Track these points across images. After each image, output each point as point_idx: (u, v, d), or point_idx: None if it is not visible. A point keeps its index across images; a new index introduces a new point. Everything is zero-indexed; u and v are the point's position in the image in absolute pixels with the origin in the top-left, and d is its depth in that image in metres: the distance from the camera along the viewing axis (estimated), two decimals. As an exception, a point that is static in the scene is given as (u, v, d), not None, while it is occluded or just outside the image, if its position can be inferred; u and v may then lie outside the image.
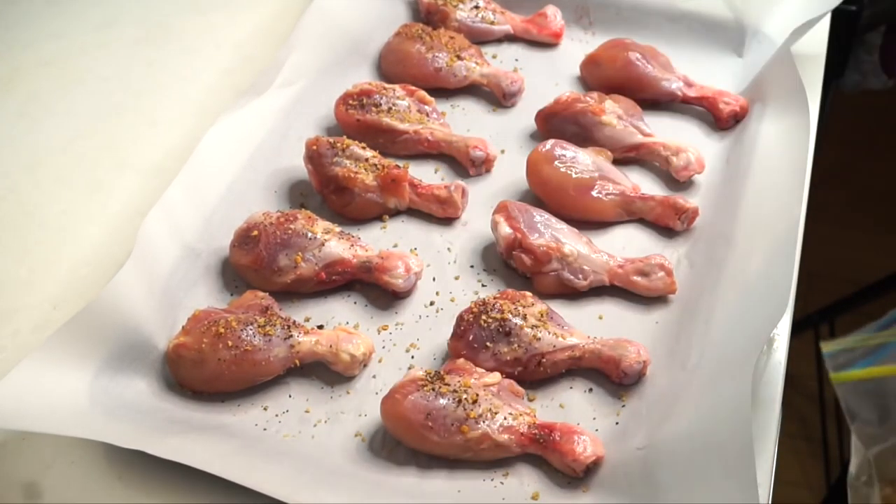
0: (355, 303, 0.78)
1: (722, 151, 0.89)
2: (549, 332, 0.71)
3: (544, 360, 0.70)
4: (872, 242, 1.88)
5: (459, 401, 0.66)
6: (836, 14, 0.97)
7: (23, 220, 0.88)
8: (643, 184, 0.86)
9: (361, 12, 1.02)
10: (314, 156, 0.84)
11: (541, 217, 0.79)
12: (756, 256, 0.72)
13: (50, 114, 0.99)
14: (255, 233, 0.77)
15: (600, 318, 0.76)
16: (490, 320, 0.71)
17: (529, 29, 1.03)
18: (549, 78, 0.99)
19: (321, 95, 0.94)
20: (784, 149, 0.80)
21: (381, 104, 0.91)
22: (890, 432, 0.85)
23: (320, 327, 0.76)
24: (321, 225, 0.79)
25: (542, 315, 0.72)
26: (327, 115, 0.94)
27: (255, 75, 0.92)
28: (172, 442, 0.64)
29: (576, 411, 0.70)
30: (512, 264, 0.79)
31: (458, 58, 0.97)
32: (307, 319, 0.77)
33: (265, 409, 0.71)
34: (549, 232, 0.78)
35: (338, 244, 0.78)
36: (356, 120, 0.90)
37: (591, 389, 0.71)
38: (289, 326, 0.72)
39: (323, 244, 0.77)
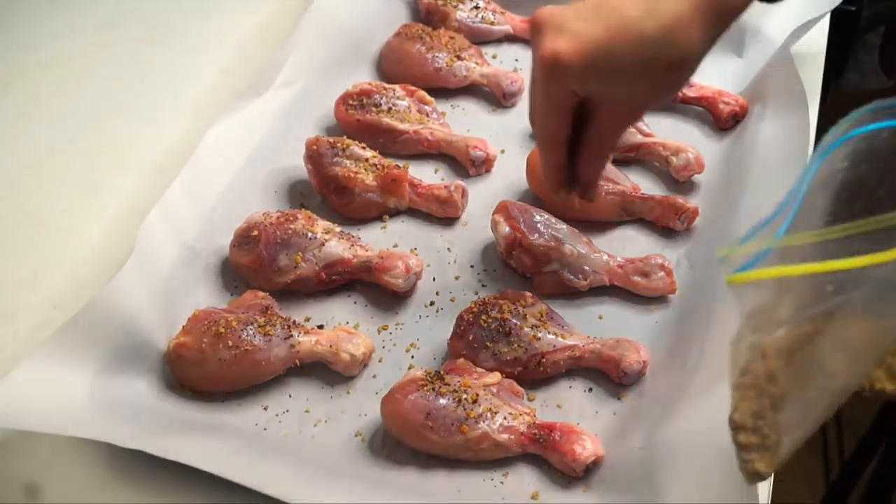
0: (355, 303, 0.78)
1: (722, 151, 0.89)
2: (549, 332, 0.71)
3: (544, 359, 0.70)
4: (872, 242, 1.87)
5: (459, 401, 0.66)
6: (836, 14, 0.97)
7: (23, 220, 0.88)
8: (643, 184, 0.86)
9: (361, 12, 1.01)
10: (314, 156, 0.84)
11: (541, 217, 0.79)
12: (756, 256, 0.72)
13: (50, 114, 0.99)
14: (255, 233, 0.77)
15: (600, 318, 0.76)
16: (490, 320, 0.71)
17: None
18: (549, 78, 0.99)
19: (321, 95, 0.94)
20: (784, 149, 0.80)
21: (381, 104, 0.91)
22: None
23: (320, 327, 0.76)
24: (321, 225, 0.79)
25: (542, 315, 0.72)
26: (327, 115, 0.94)
27: (255, 75, 0.92)
28: (172, 442, 0.64)
29: (575, 411, 0.70)
30: (512, 264, 0.79)
31: (458, 58, 0.97)
32: (307, 319, 0.77)
33: (265, 408, 0.71)
34: (549, 232, 0.78)
35: (338, 244, 0.78)
36: (356, 120, 0.90)
37: (590, 389, 0.71)
38: (289, 326, 0.72)
39: (323, 244, 0.78)
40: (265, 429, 0.69)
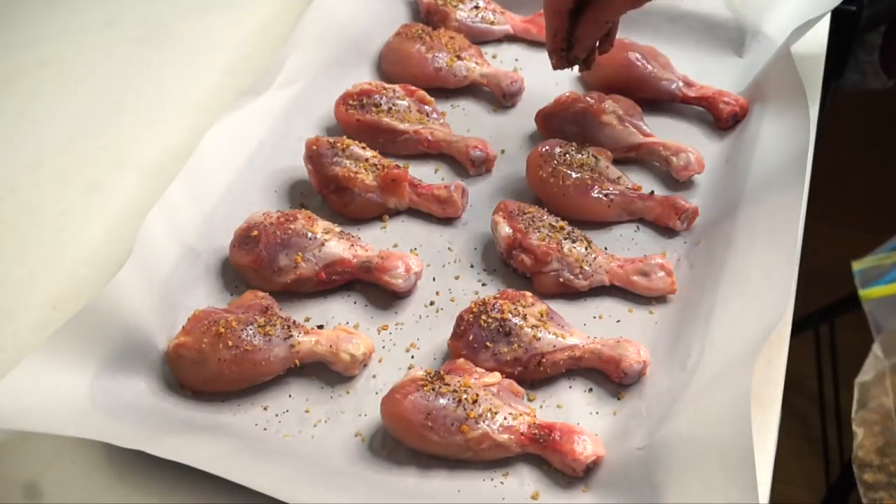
0: (355, 303, 0.78)
1: (722, 151, 0.89)
2: (549, 332, 0.71)
3: (544, 360, 0.70)
4: (872, 242, 1.88)
5: (459, 401, 0.66)
6: (836, 14, 0.97)
7: (23, 220, 0.88)
8: (643, 184, 0.86)
9: (361, 12, 1.01)
10: (314, 156, 0.84)
11: (541, 217, 0.79)
12: (756, 256, 0.72)
13: (50, 114, 0.99)
14: (255, 233, 0.77)
15: (600, 318, 0.76)
16: (490, 320, 0.71)
17: (529, 29, 1.03)
18: (549, 78, 0.99)
19: (321, 95, 0.94)
20: (784, 149, 0.80)
21: (381, 104, 0.91)
22: None
23: (320, 327, 0.76)
24: (321, 225, 0.79)
25: (542, 315, 0.72)
26: (327, 115, 0.94)
27: (255, 75, 0.92)
28: (172, 442, 0.64)
29: (575, 411, 0.70)
30: (512, 264, 0.79)
31: (458, 58, 0.97)
32: (307, 319, 0.77)
33: (265, 409, 0.71)
34: (550, 232, 0.78)
35: (338, 244, 0.78)
36: (356, 120, 0.90)
37: (590, 389, 0.71)
38: (289, 326, 0.72)
39: (323, 244, 0.77)
40: (265, 429, 0.69)
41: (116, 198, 0.89)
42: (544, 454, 0.65)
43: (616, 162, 0.87)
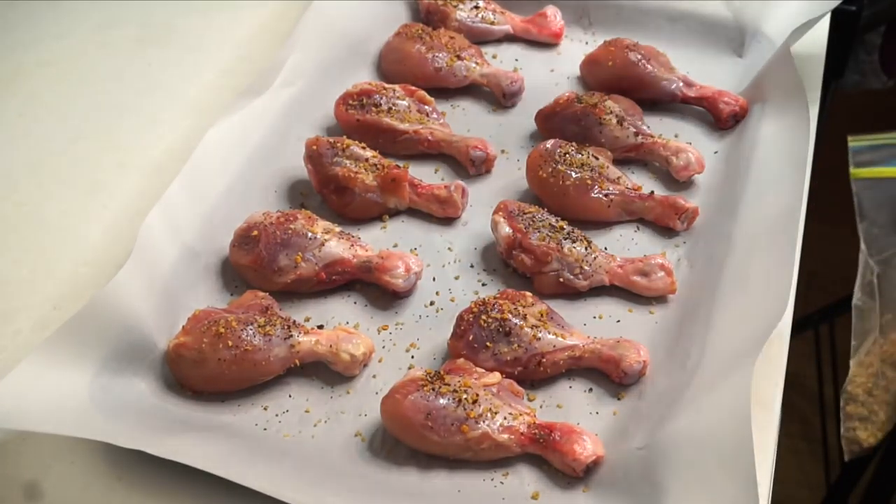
0: (355, 303, 0.78)
1: (722, 151, 0.89)
2: (549, 332, 0.71)
3: (544, 360, 0.70)
4: (872, 242, 1.87)
5: (459, 401, 0.66)
6: (836, 14, 0.97)
7: (23, 220, 0.88)
8: (643, 184, 0.86)
9: (361, 12, 1.02)
10: (314, 156, 0.84)
11: (541, 217, 0.79)
12: (756, 256, 0.72)
13: (50, 114, 0.99)
14: (255, 233, 0.77)
15: (600, 318, 0.76)
16: (490, 320, 0.71)
17: (529, 29, 1.03)
18: (549, 78, 0.99)
19: (321, 95, 0.94)
20: (784, 149, 0.80)
21: (381, 104, 0.91)
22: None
23: (320, 327, 0.76)
24: (321, 225, 0.79)
25: (542, 315, 0.72)
26: (327, 115, 0.94)
27: (255, 75, 0.92)
28: (172, 442, 0.64)
29: (575, 411, 0.70)
30: (512, 264, 0.79)
31: (458, 58, 0.97)
32: (307, 319, 0.77)
33: (265, 409, 0.71)
34: (549, 232, 0.78)
35: (338, 244, 0.78)
36: (356, 120, 0.90)
37: (590, 389, 0.71)
38: (289, 326, 0.72)
39: (323, 244, 0.77)
40: (265, 429, 0.69)
41: (116, 198, 0.89)
42: (544, 454, 0.65)
43: (616, 162, 0.87)
